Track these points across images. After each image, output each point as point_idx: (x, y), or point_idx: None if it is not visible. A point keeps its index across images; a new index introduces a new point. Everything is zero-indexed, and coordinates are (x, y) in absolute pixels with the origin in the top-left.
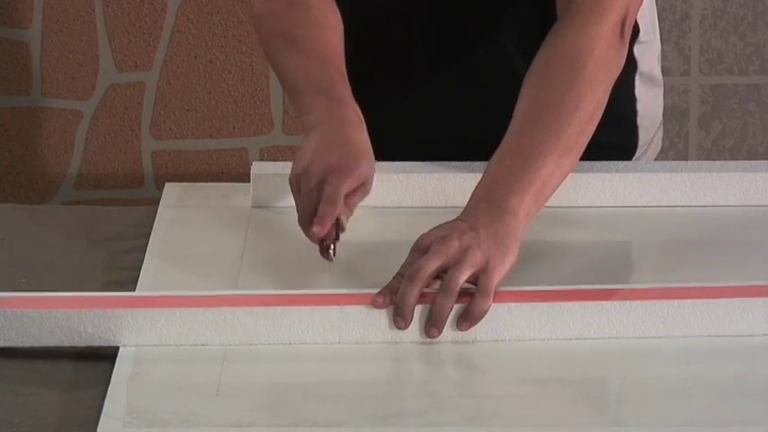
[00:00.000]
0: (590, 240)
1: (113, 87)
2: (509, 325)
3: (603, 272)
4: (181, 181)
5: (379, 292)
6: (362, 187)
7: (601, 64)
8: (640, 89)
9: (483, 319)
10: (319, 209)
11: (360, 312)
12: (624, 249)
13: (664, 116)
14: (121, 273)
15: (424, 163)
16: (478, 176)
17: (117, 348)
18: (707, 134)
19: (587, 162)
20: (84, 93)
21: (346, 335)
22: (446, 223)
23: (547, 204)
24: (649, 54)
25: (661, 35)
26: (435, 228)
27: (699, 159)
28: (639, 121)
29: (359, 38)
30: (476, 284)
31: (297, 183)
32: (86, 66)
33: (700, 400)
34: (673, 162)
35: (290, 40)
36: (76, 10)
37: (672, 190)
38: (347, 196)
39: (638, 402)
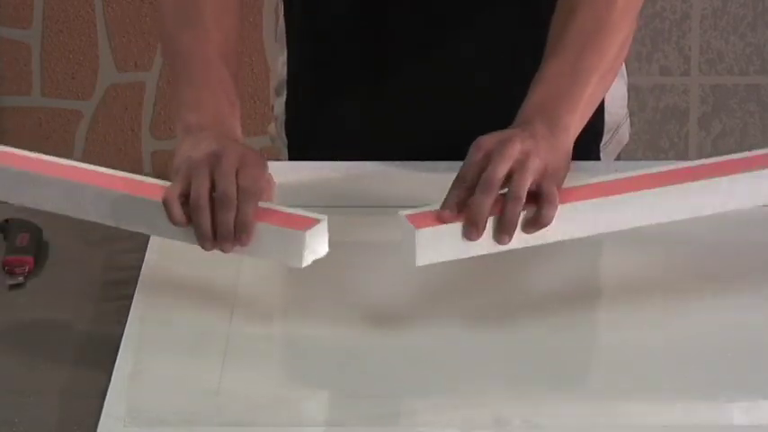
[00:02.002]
0: (588, 240)
1: (113, 87)
2: (575, 223)
3: (602, 271)
4: None
5: (445, 206)
6: (270, 184)
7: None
8: None
9: None
10: (243, 209)
11: (432, 232)
12: (624, 249)
13: (662, 117)
14: (121, 273)
15: (420, 162)
16: None
17: (117, 347)
18: (707, 134)
19: (588, 162)
20: (84, 93)
21: (421, 256)
22: (502, 130)
23: None
24: None
25: (661, 35)
26: (493, 133)
27: (699, 159)
28: (606, 102)
29: (336, 36)
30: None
31: (208, 162)
32: (86, 66)
33: (700, 400)
34: (673, 162)
35: (189, 16)
36: (76, 10)
37: None
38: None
39: (636, 401)
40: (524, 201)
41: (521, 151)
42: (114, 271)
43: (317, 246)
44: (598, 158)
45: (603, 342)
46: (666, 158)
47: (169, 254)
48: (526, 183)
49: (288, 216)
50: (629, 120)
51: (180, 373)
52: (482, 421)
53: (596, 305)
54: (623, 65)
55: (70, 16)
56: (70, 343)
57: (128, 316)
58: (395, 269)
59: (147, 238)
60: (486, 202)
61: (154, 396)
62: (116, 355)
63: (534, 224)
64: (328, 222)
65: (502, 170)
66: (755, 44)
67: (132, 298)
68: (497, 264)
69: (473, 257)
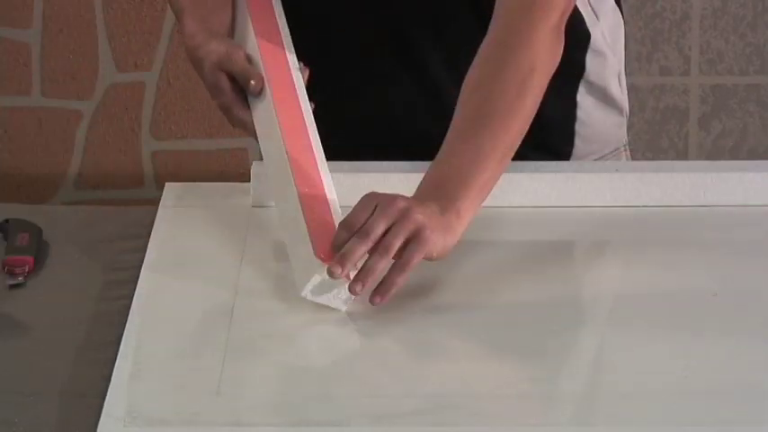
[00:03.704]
0: (589, 240)
1: (113, 87)
2: None
3: (602, 271)
4: (181, 181)
5: (336, 262)
6: None
7: (544, 67)
8: (585, 98)
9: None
10: None
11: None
12: (624, 249)
13: (662, 117)
14: (121, 273)
15: (420, 162)
16: None
17: (117, 347)
18: (707, 134)
19: (587, 162)
20: (85, 93)
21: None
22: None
23: (548, 204)
24: (603, 69)
25: (661, 35)
26: (391, 195)
27: (699, 159)
28: (578, 128)
29: (305, 43)
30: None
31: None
32: (86, 66)
33: (700, 400)
34: (673, 162)
35: None
36: (76, 10)
37: (672, 190)
38: None
39: (637, 401)
40: (391, 254)
41: (403, 208)
42: (114, 271)
43: None
44: None
45: (604, 344)
46: (666, 158)
47: (169, 254)
48: (396, 239)
49: None
50: (627, 151)
51: (180, 373)
52: (483, 421)
53: (596, 306)
54: (620, 100)
55: (70, 16)
56: (70, 343)
57: (128, 316)
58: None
59: (147, 239)
60: (360, 248)
61: (154, 396)
62: (116, 355)
63: (378, 291)
64: None
65: (382, 226)
66: (755, 44)
67: (132, 298)
68: (499, 266)
69: (475, 258)
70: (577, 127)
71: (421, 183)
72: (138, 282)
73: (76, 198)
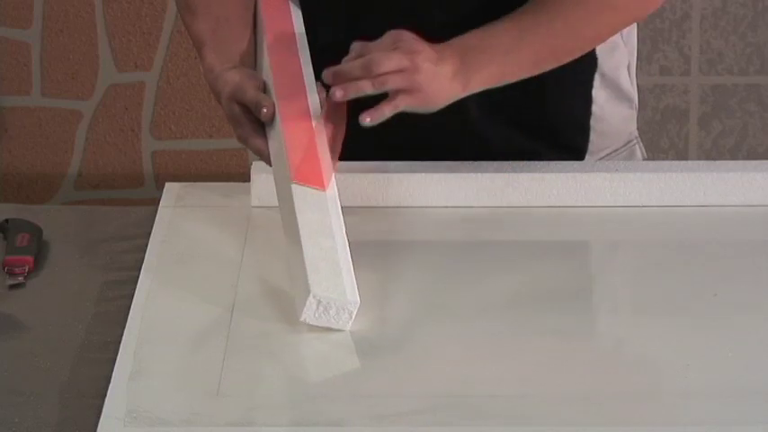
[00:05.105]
0: (589, 240)
1: (113, 87)
2: None
3: (603, 271)
4: (181, 181)
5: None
6: None
7: (626, 12)
8: (599, 92)
9: None
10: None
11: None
12: (624, 249)
13: (662, 117)
14: (121, 273)
15: (420, 162)
16: (477, 177)
17: (117, 347)
18: (707, 134)
19: (587, 162)
20: (85, 93)
21: None
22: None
23: (547, 204)
24: (615, 61)
25: (661, 35)
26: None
27: (699, 159)
28: (593, 123)
29: (321, 37)
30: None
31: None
32: (86, 66)
33: (700, 400)
34: (673, 162)
35: (191, 8)
36: (76, 10)
37: (672, 190)
38: None
39: (637, 401)
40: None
41: (412, 48)
42: (114, 271)
43: None
44: None
45: (603, 344)
46: (666, 158)
47: (169, 254)
48: (387, 63)
49: None
50: (639, 146)
51: (180, 373)
52: (483, 421)
53: (595, 306)
54: (630, 91)
55: (70, 16)
56: (70, 343)
57: (128, 316)
58: (395, 268)
59: (147, 239)
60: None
61: (154, 396)
62: (116, 355)
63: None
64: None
65: (385, 66)
66: (755, 44)
67: (132, 298)
68: (498, 266)
69: (475, 259)
70: (592, 122)
71: (450, 43)
72: (138, 282)
73: (76, 198)
